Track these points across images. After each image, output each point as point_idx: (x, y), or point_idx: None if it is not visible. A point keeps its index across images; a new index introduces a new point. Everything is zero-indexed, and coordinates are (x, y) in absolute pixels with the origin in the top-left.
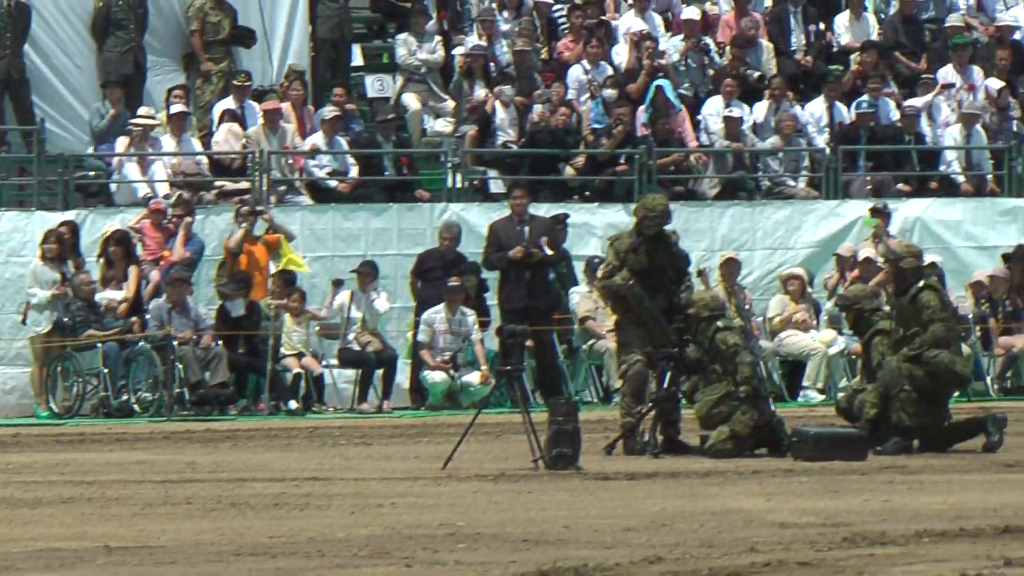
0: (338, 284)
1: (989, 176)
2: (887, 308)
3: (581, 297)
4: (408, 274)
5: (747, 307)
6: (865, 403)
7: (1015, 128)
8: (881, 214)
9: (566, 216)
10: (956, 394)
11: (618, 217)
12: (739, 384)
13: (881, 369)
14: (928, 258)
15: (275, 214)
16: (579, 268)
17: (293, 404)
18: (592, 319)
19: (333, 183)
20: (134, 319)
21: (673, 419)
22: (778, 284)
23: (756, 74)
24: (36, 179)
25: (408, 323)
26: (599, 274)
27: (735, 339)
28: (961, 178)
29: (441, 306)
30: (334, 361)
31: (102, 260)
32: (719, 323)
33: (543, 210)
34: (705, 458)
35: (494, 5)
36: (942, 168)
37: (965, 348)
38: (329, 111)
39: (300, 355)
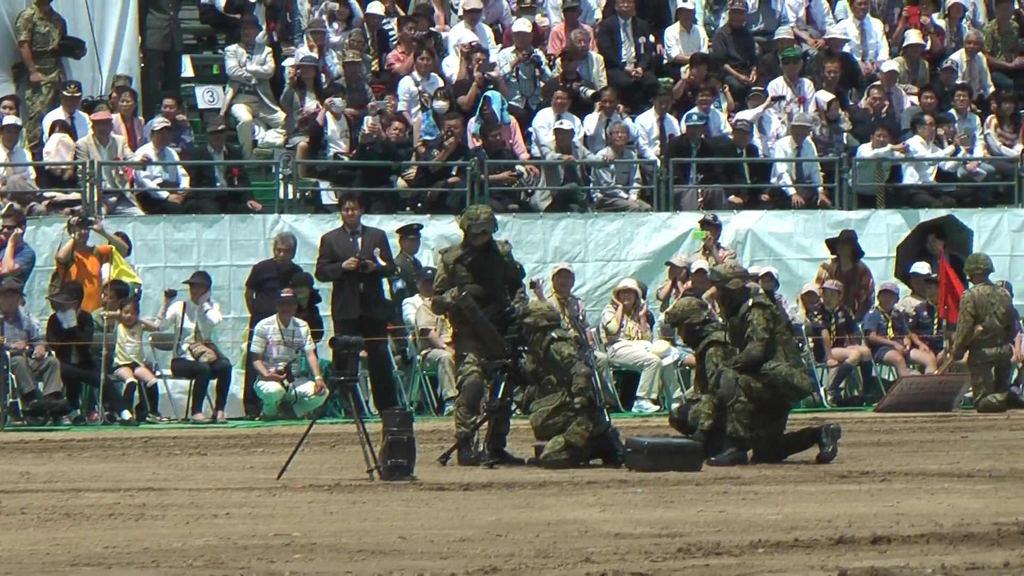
0: (171, 295)
1: (820, 188)
2: (720, 319)
3: (418, 309)
4: (242, 285)
5: (581, 318)
6: (701, 414)
7: (845, 140)
8: (710, 226)
9: (419, 227)
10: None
11: (450, 228)
12: (574, 395)
13: (718, 380)
14: (763, 270)
15: (107, 225)
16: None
17: (127, 414)
18: (432, 330)
19: (164, 194)
20: None
21: (501, 430)
22: (611, 295)
23: (588, 92)
24: None
25: (243, 334)
26: (433, 287)
27: (570, 350)
28: (792, 190)
29: (274, 317)
30: (168, 371)
31: None
32: (554, 334)
33: (375, 221)
34: (540, 468)
35: (324, 17)
36: (773, 180)
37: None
38: (159, 122)
39: (134, 365)
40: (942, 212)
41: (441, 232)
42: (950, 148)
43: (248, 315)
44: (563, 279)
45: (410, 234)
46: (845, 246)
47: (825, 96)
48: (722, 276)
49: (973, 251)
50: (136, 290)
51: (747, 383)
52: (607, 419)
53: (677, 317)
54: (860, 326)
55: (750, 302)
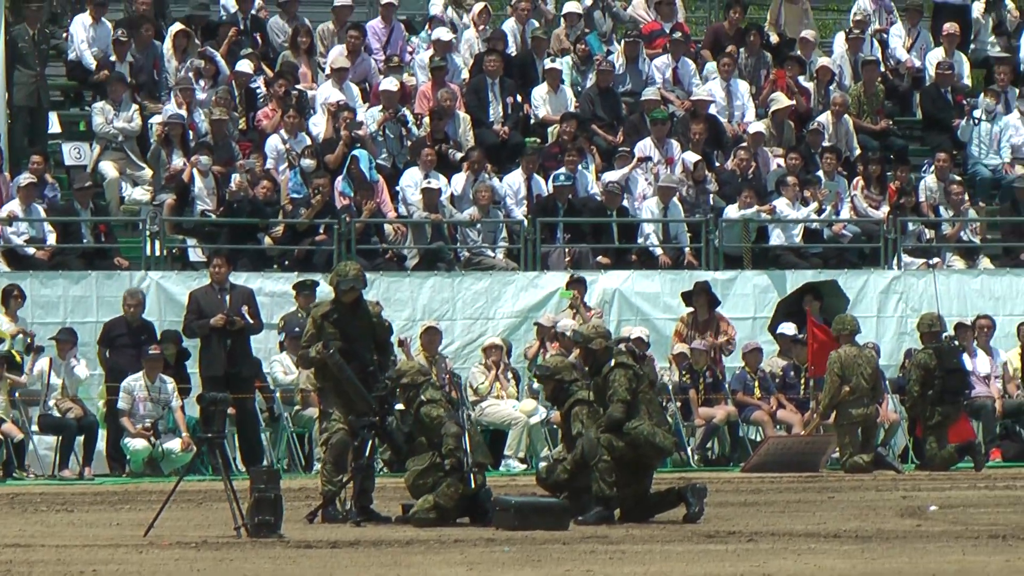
0: (37, 351)
1: (687, 248)
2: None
3: (295, 368)
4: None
5: (450, 376)
6: (561, 470)
7: (712, 201)
8: (578, 285)
9: (315, 283)
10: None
11: (318, 286)
12: (444, 456)
13: (580, 439)
14: (635, 333)
15: None
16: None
17: None
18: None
19: (31, 250)
20: None
21: (367, 487)
22: (479, 354)
23: (458, 155)
24: None
25: (99, 392)
26: (300, 343)
27: (439, 411)
28: (659, 250)
29: (140, 373)
30: (35, 428)
31: None
32: (423, 396)
33: (243, 279)
34: (408, 526)
35: (191, 74)
36: (640, 240)
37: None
38: (25, 178)
39: (0, 421)
40: (809, 272)
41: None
42: (814, 206)
43: (103, 373)
44: (431, 337)
45: (305, 290)
46: (700, 296)
47: (692, 157)
48: (585, 336)
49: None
50: (3, 345)
51: (609, 442)
52: (479, 481)
53: (549, 371)
54: (727, 386)
55: (612, 362)
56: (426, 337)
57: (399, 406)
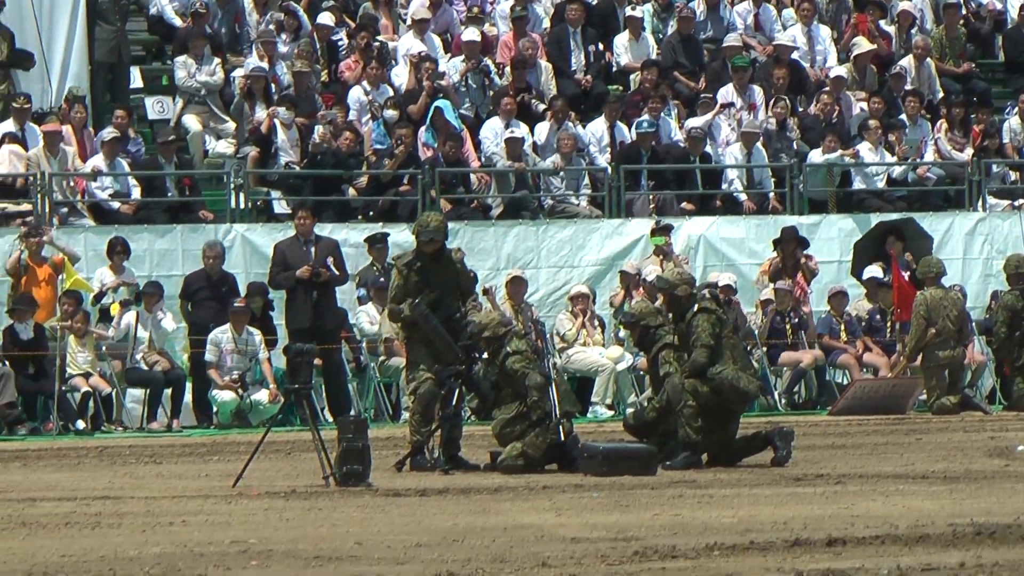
0: (125, 304)
1: (771, 194)
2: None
3: (381, 318)
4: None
5: (541, 326)
6: (648, 408)
7: (795, 146)
8: (666, 232)
9: (386, 235)
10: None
11: (403, 236)
12: (530, 408)
13: (667, 384)
14: (721, 278)
15: (58, 236)
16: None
17: (81, 424)
18: (396, 339)
19: (116, 204)
20: None
21: (455, 436)
22: (564, 302)
23: (540, 105)
24: None
25: (183, 346)
26: (389, 296)
27: (522, 363)
28: (743, 196)
29: (227, 325)
30: (122, 382)
31: None
32: (508, 347)
33: (327, 230)
34: (496, 474)
35: (272, 27)
36: (724, 187)
37: (754, 363)
38: (109, 133)
39: (87, 375)
40: (893, 216)
41: (394, 240)
42: (900, 151)
43: (185, 325)
44: (516, 286)
45: (377, 243)
46: (789, 243)
47: (774, 102)
48: (669, 283)
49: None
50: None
51: (693, 387)
52: (567, 429)
53: (634, 317)
54: (807, 332)
55: (696, 308)
56: (511, 286)
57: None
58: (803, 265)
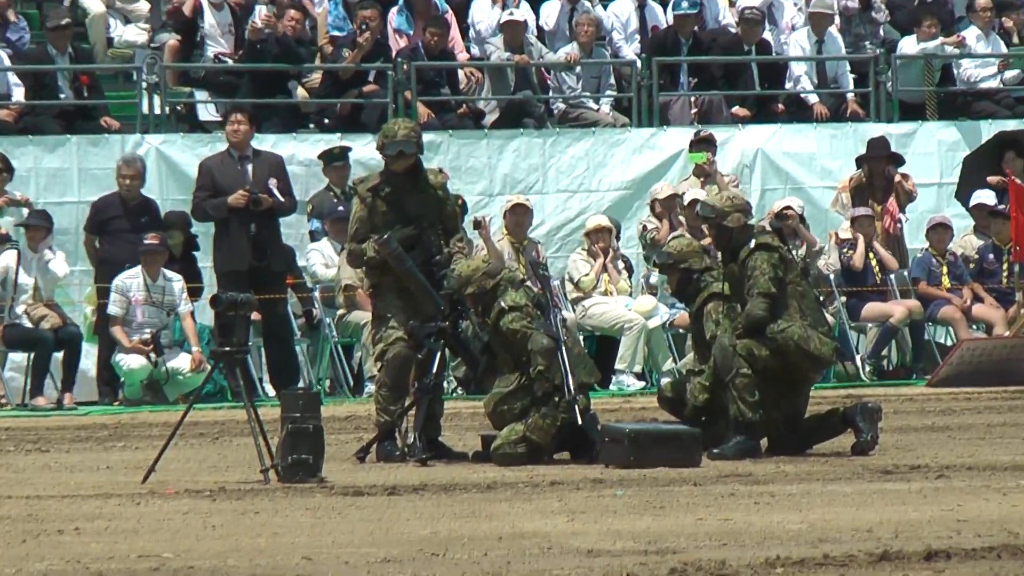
0: (1, 241)
1: (850, 95)
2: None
3: (338, 260)
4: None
5: (545, 270)
6: (696, 387)
7: (882, 32)
8: (708, 145)
9: (347, 150)
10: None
11: (367, 151)
12: (534, 379)
13: (713, 347)
14: (783, 202)
15: None
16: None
17: None
18: (359, 287)
19: None
20: None
21: (435, 415)
22: (579, 238)
23: None
24: None
25: (87, 295)
26: (348, 231)
27: (522, 322)
28: (814, 98)
29: (137, 269)
30: None
31: None
32: (502, 302)
33: (270, 143)
34: (489, 465)
35: None
36: (789, 85)
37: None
38: None
39: None
40: (1011, 124)
41: (356, 157)
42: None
43: (92, 269)
44: (518, 217)
45: (335, 160)
46: (879, 160)
47: None
48: (718, 210)
49: None
50: None
51: (748, 350)
52: (583, 405)
53: (672, 258)
54: (907, 273)
55: (752, 244)
56: (512, 217)
57: None
58: (897, 186)
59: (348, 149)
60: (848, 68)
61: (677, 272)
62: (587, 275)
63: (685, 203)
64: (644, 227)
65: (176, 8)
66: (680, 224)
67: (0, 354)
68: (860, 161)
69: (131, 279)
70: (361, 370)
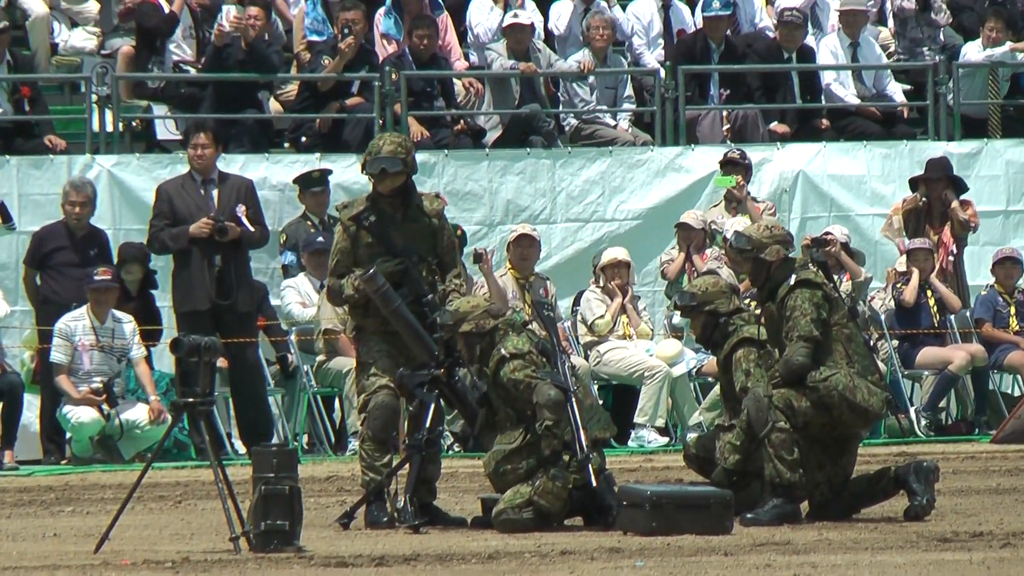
0: None
1: (902, 109)
2: (754, 308)
3: (318, 297)
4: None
5: (551, 310)
6: (725, 447)
7: (942, 37)
8: (741, 168)
9: (327, 173)
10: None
11: (350, 174)
12: (540, 436)
13: (746, 399)
14: (832, 232)
15: None
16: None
17: None
18: (341, 331)
19: None
20: None
21: (428, 475)
22: (591, 274)
23: None
24: None
25: (25, 338)
26: (329, 264)
27: (525, 371)
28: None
29: (82, 310)
30: None
31: None
32: (503, 349)
33: (238, 165)
34: (491, 532)
35: None
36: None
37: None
38: None
39: None
40: None
41: (337, 180)
42: None
43: (32, 309)
44: (524, 249)
45: (314, 185)
46: (937, 183)
47: None
48: (755, 242)
49: None
50: None
51: (787, 402)
52: (597, 465)
53: (696, 299)
54: (968, 314)
55: (792, 280)
56: (517, 249)
57: None
58: (953, 214)
59: (328, 172)
60: (891, 76)
61: (702, 315)
62: (602, 317)
63: (726, 234)
64: (662, 271)
65: (130, 8)
66: (703, 257)
67: None
68: (915, 183)
69: (76, 321)
70: (344, 424)
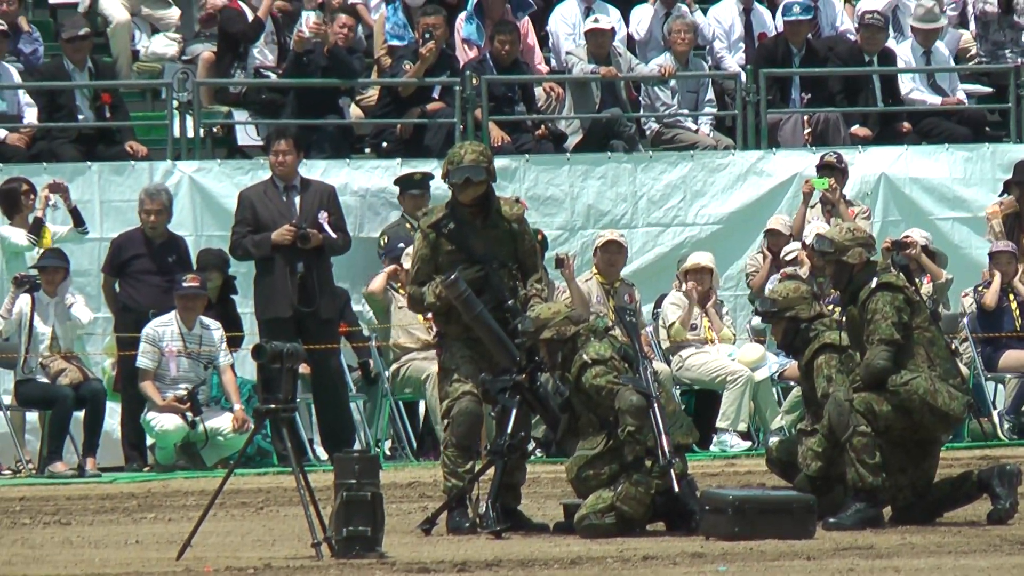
0: (19, 284)
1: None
2: (836, 314)
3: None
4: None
5: (632, 316)
6: (808, 453)
7: None
8: (837, 171)
9: (428, 177)
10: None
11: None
12: (623, 442)
13: (827, 403)
14: (912, 235)
15: None
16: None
17: None
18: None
19: (2, 132)
20: None
21: (513, 481)
22: (675, 278)
23: None
24: None
25: (107, 345)
26: (410, 271)
27: (607, 378)
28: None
29: (170, 316)
30: (10, 400)
31: None
32: (585, 355)
33: (319, 171)
34: (572, 538)
35: None
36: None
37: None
38: None
39: None
40: None
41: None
42: None
43: (112, 316)
44: (611, 255)
45: (414, 188)
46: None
47: None
48: (837, 245)
49: None
50: None
51: (868, 405)
52: (680, 470)
53: (777, 305)
54: None
55: (874, 283)
56: (604, 255)
57: None
58: None
59: (430, 176)
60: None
61: (783, 321)
62: (673, 323)
63: (807, 239)
64: (746, 277)
65: (211, 14)
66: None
67: (15, 414)
68: (1008, 186)
69: (164, 327)
70: (427, 429)
